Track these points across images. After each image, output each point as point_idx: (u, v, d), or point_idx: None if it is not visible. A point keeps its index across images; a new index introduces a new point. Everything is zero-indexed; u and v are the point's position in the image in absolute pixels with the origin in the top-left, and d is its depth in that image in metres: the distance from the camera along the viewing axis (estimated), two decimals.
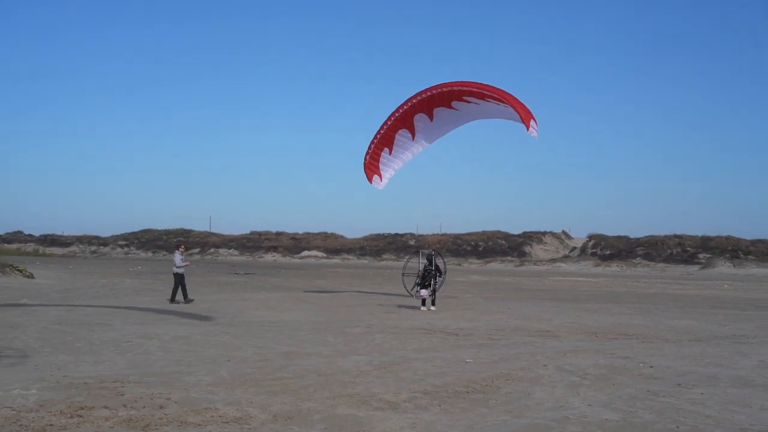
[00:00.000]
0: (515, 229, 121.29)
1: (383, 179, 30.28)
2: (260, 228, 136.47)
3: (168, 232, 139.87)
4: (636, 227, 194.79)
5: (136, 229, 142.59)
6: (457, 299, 34.92)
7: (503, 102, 26.20)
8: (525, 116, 25.52)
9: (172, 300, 28.80)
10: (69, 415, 9.92)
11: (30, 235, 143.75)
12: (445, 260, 30.38)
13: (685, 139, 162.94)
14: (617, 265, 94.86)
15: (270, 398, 11.30)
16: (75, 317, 22.71)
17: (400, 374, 13.75)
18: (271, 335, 19.24)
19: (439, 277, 29.62)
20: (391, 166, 30.14)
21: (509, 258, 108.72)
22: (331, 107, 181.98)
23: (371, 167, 29.98)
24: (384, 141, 29.34)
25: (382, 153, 29.66)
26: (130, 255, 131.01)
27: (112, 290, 35.99)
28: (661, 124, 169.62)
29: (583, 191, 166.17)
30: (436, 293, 29.05)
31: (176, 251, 31.03)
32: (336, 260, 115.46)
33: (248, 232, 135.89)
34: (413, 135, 29.14)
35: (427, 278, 28.62)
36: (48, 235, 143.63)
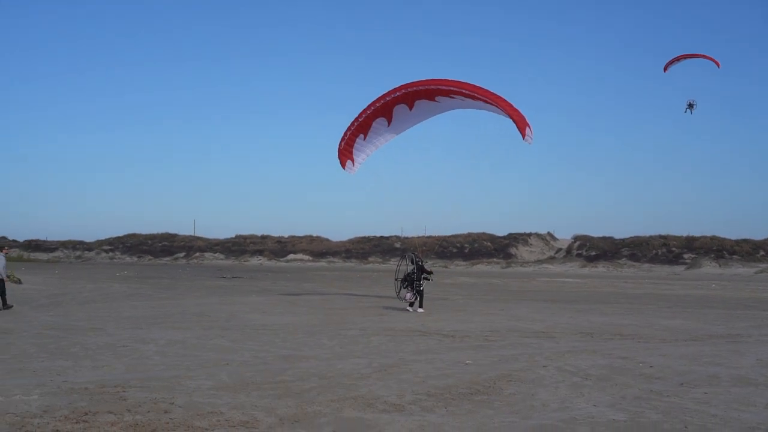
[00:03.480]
0: (501, 231, 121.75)
1: (356, 164, 30.24)
2: (245, 232, 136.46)
3: (153, 237, 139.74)
4: (621, 228, 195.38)
5: (120, 234, 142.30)
6: (447, 301, 34.91)
7: (496, 107, 26.03)
8: (520, 123, 25.34)
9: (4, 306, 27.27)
10: (74, 421, 9.82)
11: (14, 241, 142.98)
12: (428, 262, 30.50)
13: (669, 140, 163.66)
14: (603, 266, 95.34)
15: (274, 401, 11.22)
16: (68, 322, 22.56)
17: (401, 376, 13.68)
18: (267, 338, 19.14)
19: (426, 279, 29.54)
20: (365, 152, 30.10)
21: (495, 260, 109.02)
22: (317, 111, 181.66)
23: (345, 153, 29.96)
24: (361, 128, 29.26)
25: (357, 139, 29.61)
26: (115, 260, 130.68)
27: (101, 295, 35.81)
28: (645, 126, 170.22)
29: (567, 193, 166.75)
30: (423, 295, 28.92)
31: (0, 253, 28.45)
32: (322, 263, 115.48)
33: (233, 235, 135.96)
34: (389, 123, 29.06)
35: (411, 280, 28.76)
36: (32, 240, 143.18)
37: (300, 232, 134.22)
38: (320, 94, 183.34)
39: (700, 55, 42.25)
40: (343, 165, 30.32)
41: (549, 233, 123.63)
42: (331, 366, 14.80)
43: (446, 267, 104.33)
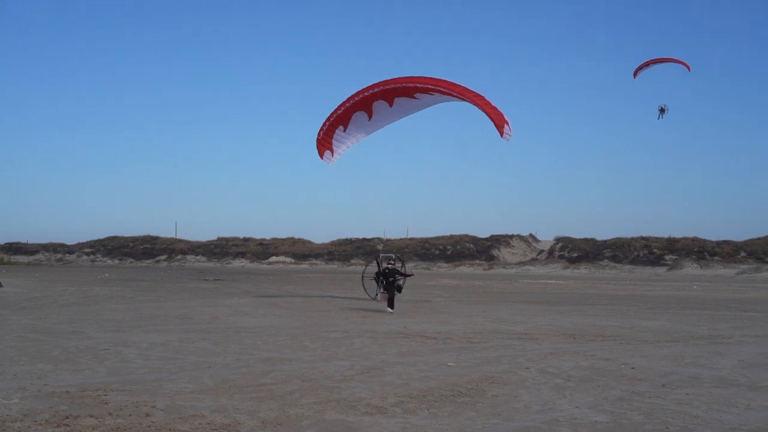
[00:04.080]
0: (483, 233, 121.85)
1: (335, 155, 30.38)
2: (227, 234, 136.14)
3: (134, 239, 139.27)
4: (603, 230, 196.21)
5: (101, 236, 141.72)
6: (430, 303, 34.91)
7: (474, 105, 26.03)
8: (497, 120, 25.33)
9: None
10: (55, 425, 9.76)
11: None
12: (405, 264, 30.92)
13: (651, 142, 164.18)
14: (585, 268, 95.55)
15: (256, 404, 11.19)
16: (48, 325, 22.44)
17: (384, 379, 13.67)
18: (250, 341, 19.09)
19: (401, 280, 29.83)
20: (345, 143, 30.28)
21: (478, 261, 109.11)
22: (298, 111, 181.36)
23: (324, 143, 30.07)
24: (340, 120, 29.40)
25: (337, 130, 29.75)
26: (96, 262, 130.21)
27: (83, 298, 35.63)
28: (628, 127, 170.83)
29: (549, 194, 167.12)
30: (394, 296, 29.19)
31: None
32: (304, 265, 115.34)
33: (215, 238, 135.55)
34: (370, 117, 29.18)
35: (387, 281, 29.16)
36: (12, 243, 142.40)
37: (282, 234, 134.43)
38: (302, 94, 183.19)
39: (670, 59, 42.35)
40: (321, 155, 30.43)
41: (531, 235, 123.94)
42: (314, 368, 14.78)
43: (428, 269, 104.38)
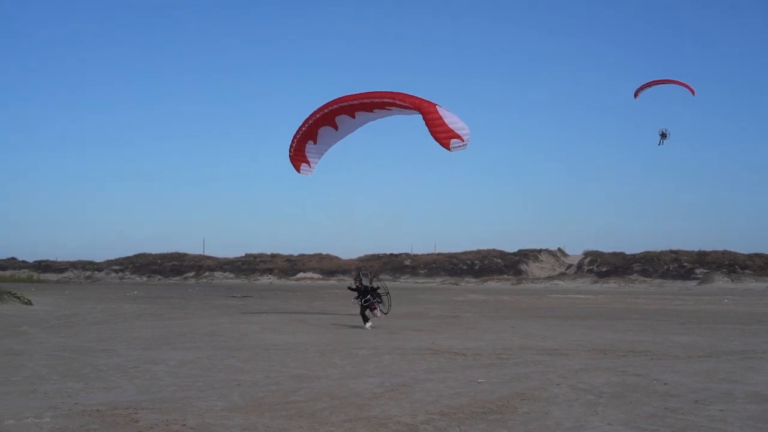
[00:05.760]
0: (511, 248, 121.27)
1: (312, 165, 31.41)
2: (255, 250, 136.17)
3: (162, 256, 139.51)
4: (632, 244, 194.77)
5: (130, 254, 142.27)
6: (458, 318, 34.82)
7: (427, 119, 26.09)
8: (443, 137, 25.53)
9: None
10: None
11: (24, 262, 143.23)
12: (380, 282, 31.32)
13: (680, 155, 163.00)
14: (615, 282, 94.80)
15: (286, 422, 11.16)
16: (78, 343, 22.53)
17: (414, 396, 13.61)
18: (278, 358, 19.08)
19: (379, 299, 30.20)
20: (318, 154, 31.40)
21: (506, 276, 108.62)
22: None
23: (297, 157, 31.05)
24: (307, 135, 30.53)
25: (307, 145, 30.82)
26: (124, 280, 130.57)
27: (112, 315, 35.77)
28: (654, 139, 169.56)
29: (577, 209, 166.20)
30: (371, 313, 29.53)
31: None
32: (332, 281, 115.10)
33: (243, 254, 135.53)
34: (336, 129, 29.95)
35: (366, 297, 29.41)
36: (42, 261, 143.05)
37: (310, 250, 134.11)
38: None
39: (674, 81, 42.03)
40: (297, 169, 31.45)
41: (560, 249, 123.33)
42: (343, 386, 14.74)
43: (456, 284, 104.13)
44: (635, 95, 42.57)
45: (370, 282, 30.57)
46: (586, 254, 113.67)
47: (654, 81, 41.90)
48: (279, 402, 12.88)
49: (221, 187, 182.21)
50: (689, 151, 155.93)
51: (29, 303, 42.11)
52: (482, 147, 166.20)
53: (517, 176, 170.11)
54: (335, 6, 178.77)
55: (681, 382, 15.28)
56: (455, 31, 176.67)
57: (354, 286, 29.85)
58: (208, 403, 12.68)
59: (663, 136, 42.64)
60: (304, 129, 30.07)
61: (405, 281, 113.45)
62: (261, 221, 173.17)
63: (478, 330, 27.98)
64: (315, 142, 30.45)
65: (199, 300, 54.64)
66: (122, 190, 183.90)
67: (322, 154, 31.27)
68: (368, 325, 28.71)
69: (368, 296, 29.27)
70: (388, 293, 31.41)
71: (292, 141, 30.62)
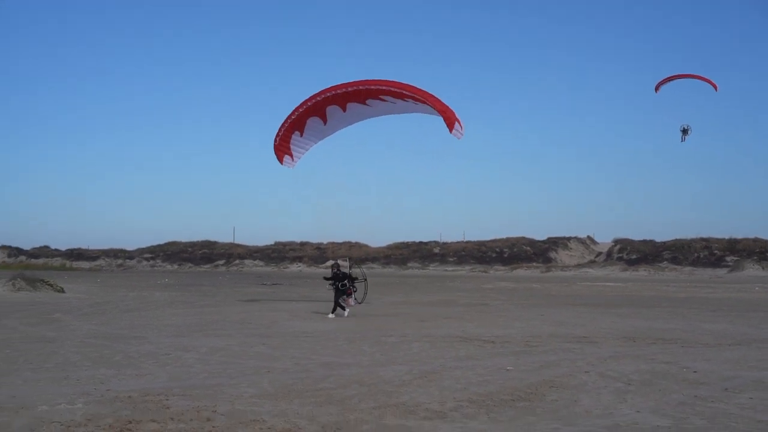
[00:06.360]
0: (540, 235, 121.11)
1: (294, 159, 30.97)
2: (284, 239, 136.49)
3: (193, 245, 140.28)
4: (661, 231, 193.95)
5: (161, 242, 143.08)
6: (487, 306, 34.82)
7: (424, 102, 26.00)
8: (448, 118, 25.28)
9: None
10: (118, 429, 9.89)
11: (57, 250, 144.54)
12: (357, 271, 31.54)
13: (708, 141, 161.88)
14: (644, 270, 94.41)
15: (316, 409, 11.23)
16: (110, 331, 22.73)
17: (443, 383, 13.65)
18: (308, 345, 19.18)
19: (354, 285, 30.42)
20: (304, 147, 30.96)
21: (535, 264, 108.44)
22: None
23: (281, 148, 30.57)
24: (295, 125, 29.83)
25: (293, 136, 30.21)
26: (156, 268, 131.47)
27: (143, 303, 36.04)
28: (680, 129, 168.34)
29: (607, 196, 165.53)
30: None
31: None
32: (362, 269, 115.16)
33: (272, 242, 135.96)
34: (325, 122, 29.42)
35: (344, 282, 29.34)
36: (74, 249, 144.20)
37: (339, 238, 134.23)
38: None
39: (696, 76, 41.64)
40: (280, 160, 31.04)
41: (589, 237, 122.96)
42: (372, 373, 14.80)
43: (486, 272, 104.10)
44: (656, 89, 42.27)
45: (349, 268, 30.63)
46: (616, 242, 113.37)
47: (675, 75, 41.60)
48: (308, 389, 12.95)
49: (251, 176, 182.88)
50: (720, 139, 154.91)
51: (62, 291, 42.58)
52: (512, 135, 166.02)
53: (546, 164, 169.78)
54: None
55: (711, 370, 15.24)
56: (479, 23, 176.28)
57: (330, 275, 29.80)
58: (238, 390, 12.77)
59: (685, 131, 42.30)
60: (293, 117, 29.70)
61: (434, 269, 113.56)
62: (291, 209, 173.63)
63: (507, 318, 27.98)
64: (301, 134, 30.02)
65: (229, 288, 54.94)
66: (153, 179, 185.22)
67: (308, 149, 30.71)
68: (346, 312, 28.59)
69: (345, 281, 29.20)
70: (365, 280, 31.50)
71: (279, 129, 30.32)
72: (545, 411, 11.27)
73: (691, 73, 42.27)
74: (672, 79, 41.53)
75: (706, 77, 41.09)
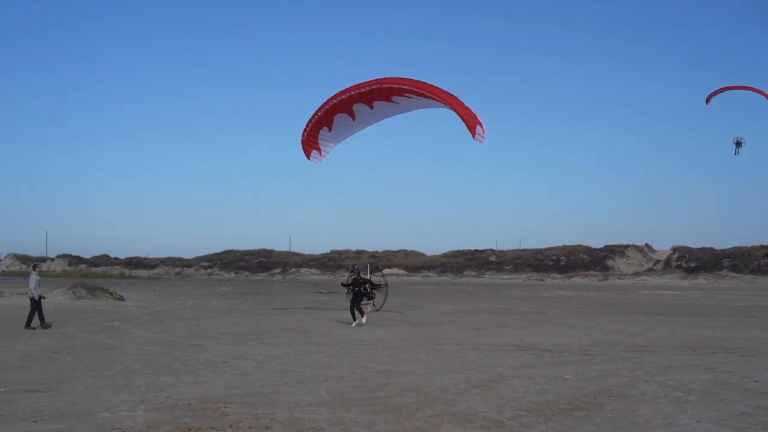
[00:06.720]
0: (597, 243, 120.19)
1: (322, 154, 30.43)
2: (340, 247, 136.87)
3: (249, 253, 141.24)
4: (721, 238, 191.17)
5: (218, 251, 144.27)
6: (544, 315, 34.63)
7: (447, 106, 25.67)
8: (469, 122, 24.83)
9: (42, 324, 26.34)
10: None
11: (116, 258, 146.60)
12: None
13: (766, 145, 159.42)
14: (704, 278, 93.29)
15: (373, 417, 11.24)
16: (169, 339, 22.96)
17: (500, 392, 13.59)
18: (364, 353, 19.21)
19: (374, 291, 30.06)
20: (332, 143, 30.45)
21: (592, 272, 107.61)
22: (411, 121, 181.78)
23: (309, 143, 30.13)
24: (323, 121, 29.44)
25: (321, 131, 29.76)
26: (213, 276, 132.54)
27: (201, 311, 36.36)
28: (741, 132, 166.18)
29: (665, 203, 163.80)
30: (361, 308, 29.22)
31: (32, 272, 27.64)
32: (417, 277, 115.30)
33: (328, 251, 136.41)
34: (353, 118, 29.15)
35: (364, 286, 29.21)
36: (133, 257, 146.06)
37: (394, 246, 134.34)
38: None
39: (750, 87, 41.00)
40: (308, 155, 30.52)
41: (647, 245, 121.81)
42: (429, 381, 14.78)
43: (542, 280, 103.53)
44: (707, 101, 41.78)
45: (369, 275, 30.55)
46: (674, 249, 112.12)
47: (727, 87, 41.09)
48: (366, 397, 12.97)
49: (308, 185, 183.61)
50: None
51: (121, 299, 43.12)
52: (568, 143, 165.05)
53: (603, 171, 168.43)
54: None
55: None
56: (517, 31, 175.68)
57: (347, 282, 29.69)
58: (295, 398, 12.83)
59: (738, 144, 41.68)
60: (320, 114, 29.43)
61: (490, 277, 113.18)
62: (347, 218, 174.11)
63: (564, 326, 27.80)
64: (330, 129, 29.88)
65: (285, 296, 55.22)
66: (211, 188, 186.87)
67: (335, 145, 30.64)
68: (363, 319, 28.36)
69: (365, 285, 29.10)
70: (386, 285, 31.35)
71: (307, 125, 30.02)
72: (604, 420, 11.18)
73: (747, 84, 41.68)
74: (723, 91, 41.03)
75: (760, 89, 40.48)
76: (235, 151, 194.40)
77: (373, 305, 30.24)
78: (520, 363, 17.55)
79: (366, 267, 32.45)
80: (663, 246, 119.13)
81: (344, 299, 32.84)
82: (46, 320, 26.61)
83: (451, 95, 25.69)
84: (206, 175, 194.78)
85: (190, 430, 10.36)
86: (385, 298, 32.39)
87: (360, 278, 29.33)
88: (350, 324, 28.09)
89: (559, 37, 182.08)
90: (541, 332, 25.27)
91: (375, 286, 30.11)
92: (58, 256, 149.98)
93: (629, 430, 10.56)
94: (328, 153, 30.60)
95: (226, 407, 11.92)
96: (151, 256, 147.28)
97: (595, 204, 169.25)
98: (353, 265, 33.81)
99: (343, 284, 30.64)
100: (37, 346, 20.72)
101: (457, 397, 12.97)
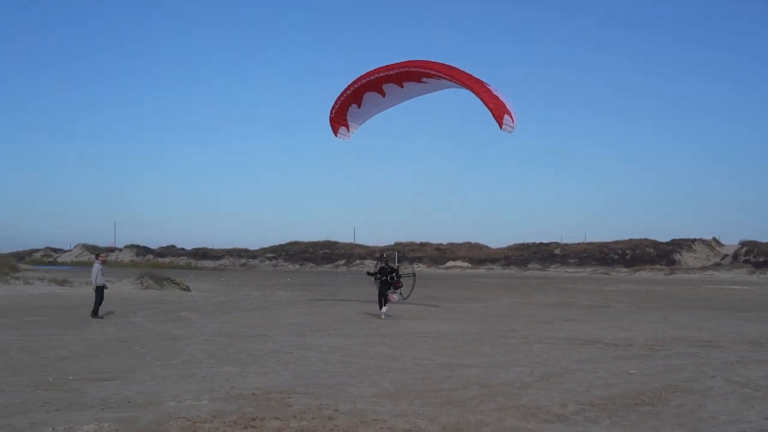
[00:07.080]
0: (663, 237, 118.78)
1: (350, 130, 30.17)
2: (404, 239, 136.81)
3: (314, 245, 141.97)
4: None
5: (283, 242, 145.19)
6: (609, 308, 34.36)
7: (474, 93, 25.07)
8: (496, 111, 24.03)
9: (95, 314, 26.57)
10: (243, 426, 10.09)
11: (182, 249, 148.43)
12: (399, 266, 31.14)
13: None
14: None
15: (436, 410, 11.26)
16: (234, 329, 23.20)
17: (564, 386, 13.53)
18: (428, 346, 19.23)
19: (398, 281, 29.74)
20: (360, 119, 30.29)
21: (658, 266, 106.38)
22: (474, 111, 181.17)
23: (338, 119, 29.92)
24: (352, 98, 29.27)
25: (350, 108, 29.57)
26: (278, 267, 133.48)
27: (266, 302, 36.68)
28: None
29: (732, 196, 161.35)
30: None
31: (95, 262, 28.01)
32: (481, 270, 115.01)
33: (392, 243, 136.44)
34: (383, 96, 28.84)
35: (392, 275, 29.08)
36: (199, 248, 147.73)
37: (458, 239, 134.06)
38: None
39: None
40: (335, 132, 30.26)
41: (714, 239, 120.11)
42: (493, 374, 14.76)
43: (607, 274, 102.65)
44: None
45: (396, 263, 30.43)
46: (742, 244, 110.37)
47: None
48: (429, 389, 12.99)
49: (371, 177, 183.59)
50: None
51: (188, 289, 43.64)
52: (634, 137, 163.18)
53: (670, 165, 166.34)
54: None
55: None
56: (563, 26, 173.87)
57: (373, 271, 29.62)
58: (359, 389, 12.89)
59: None
60: (349, 92, 29.25)
61: (555, 270, 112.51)
62: (410, 210, 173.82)
63: (629, 320, 27.55)
64: (359, 106, 29.60)
65: (350, 287, 55.43)
66: (276, 180, 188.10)
67: (364, 120, 30.39)
68: (384, 309, 28.23)
69: (393, 274, 28.97)
70: (414, 275, 31.17)
71: (335, 103, 29.89)
72: (669, 416, 11.07)
73: None
74: None
75: None
76: (298, 143, 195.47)
77: (400, 294, 30.08)
78: (584, 357, 17.45)
79: (395, 256, 32.39)
80: (731, 240, 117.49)
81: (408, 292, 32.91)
82: (100, 313, 26.81)
83: (479, 82, 25.23)
84: (271, 168, 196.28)
85: (254, 420, 10.46)
86: (413, 289, 32.29)
87: (387, 267, 29.33)
88: (379, 316, 28.06)
89: (639, 36, 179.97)
90: (605, 326, 25.08)
91: (401, 276, 29.99)
92: (126, 247, 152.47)
93: (695, 426, 10.45)
94: (356, 129, 30.53)
95: (290, 398, 12.01)
96: (216, 247, 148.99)
97: (662, 197, 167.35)
98: (381, 254, 33.77)
99: (369, 273, 30.63)
100: (104, 336, 21.06)
101: (521, 391, 12.92)
